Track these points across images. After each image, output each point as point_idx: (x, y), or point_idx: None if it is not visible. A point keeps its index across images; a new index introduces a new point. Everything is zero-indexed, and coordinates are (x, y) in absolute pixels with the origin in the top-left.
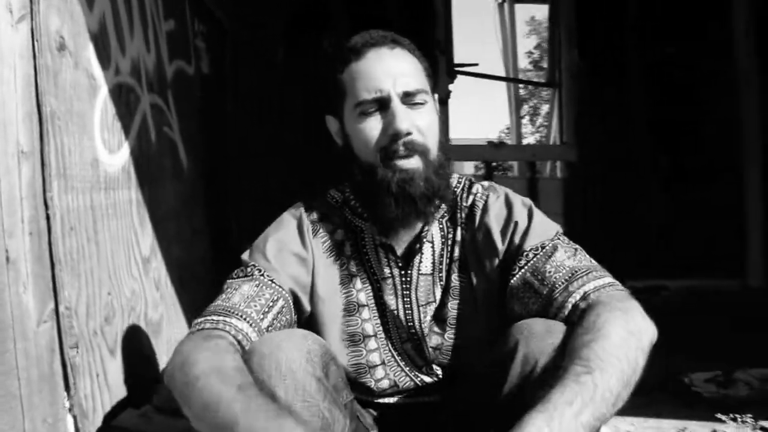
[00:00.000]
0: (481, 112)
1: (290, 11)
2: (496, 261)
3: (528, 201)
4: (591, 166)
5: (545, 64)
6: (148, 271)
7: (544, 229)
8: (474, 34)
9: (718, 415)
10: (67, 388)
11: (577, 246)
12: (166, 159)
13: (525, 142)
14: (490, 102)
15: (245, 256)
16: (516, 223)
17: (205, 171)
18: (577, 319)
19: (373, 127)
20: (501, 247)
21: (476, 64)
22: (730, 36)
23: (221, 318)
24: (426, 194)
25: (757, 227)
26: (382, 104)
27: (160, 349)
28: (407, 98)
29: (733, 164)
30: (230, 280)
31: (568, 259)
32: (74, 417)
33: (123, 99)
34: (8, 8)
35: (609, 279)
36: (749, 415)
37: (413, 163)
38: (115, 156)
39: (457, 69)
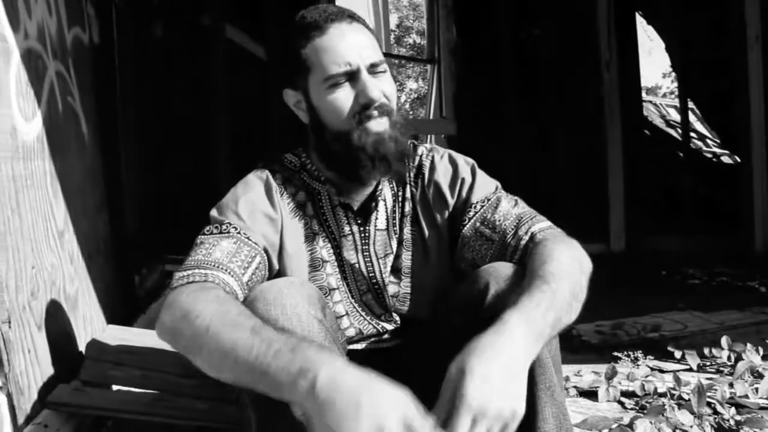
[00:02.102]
0: None
1: None
2: (446, 214)
3: (470, 160)
4: (468, 139)
5: (409, 41)
6: (63, 245)
7: (487, 184)
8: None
9: (616, 354)
10: (0, 365)
11: (516, 197)
12: (71, 130)
13: None
14: None
15: (214, 213)
16: (463, 179)
17: (103, 144)
18: (529, 253)
19: (345, 97)
20: (451, 201)
21: None
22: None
23: (209, 271)
24: (396, 154)
25: (618, 196)
26: (351, 76)
27: (78, 324)
28: (372, 68)
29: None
30: (204, 236)
31: (512, 209)
32: (9, 395)
33: (32, 65)
34: None
35: (549, 222)
36: (639, 352)
37: (383, 125)
38: (31, 124)
39: None
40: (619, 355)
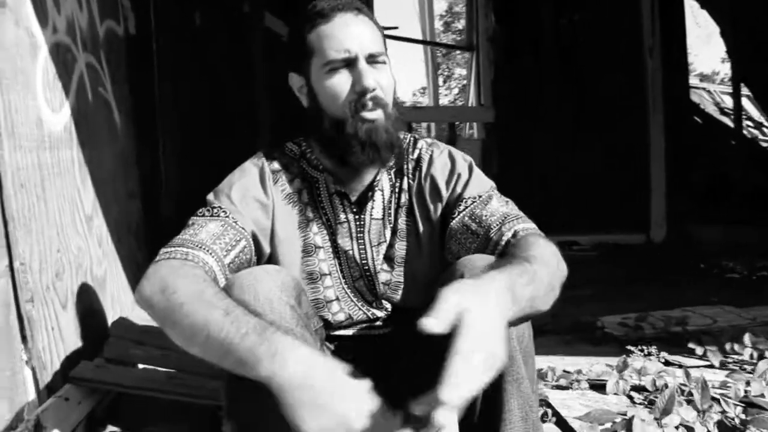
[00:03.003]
0: (396, 73)
1: None
2: (440, 207)
3: (468, 157)
4: (507, 127)
5: (458, 27)
6: (91, 229)
7: (482, 182)
8: None
9: (628, 347)
10: (23, 341)
11: (509, 199)
12: (102, 120)
13: (441, 102)
14: (404, 63)
15: (210, 197)
16: (459, 175)
17: (137, 133)
18: (512, 245)
19: (342, 82)
20: (445, 194)
21: (396, 27)
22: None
23: (190, 250)
24: (386, 143)
25: (660, 185)
26: (349, 63)
27: (106, 304)
28: (371, 59)
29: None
30: (195, 218)
31: (501, 207)
32: (33, 369)
33: (61, 58)
34: None
35: (534, 226)
36: (654, 347)
37: (377, 114)
38: (58, 115)
39: None
40: (632, 348)
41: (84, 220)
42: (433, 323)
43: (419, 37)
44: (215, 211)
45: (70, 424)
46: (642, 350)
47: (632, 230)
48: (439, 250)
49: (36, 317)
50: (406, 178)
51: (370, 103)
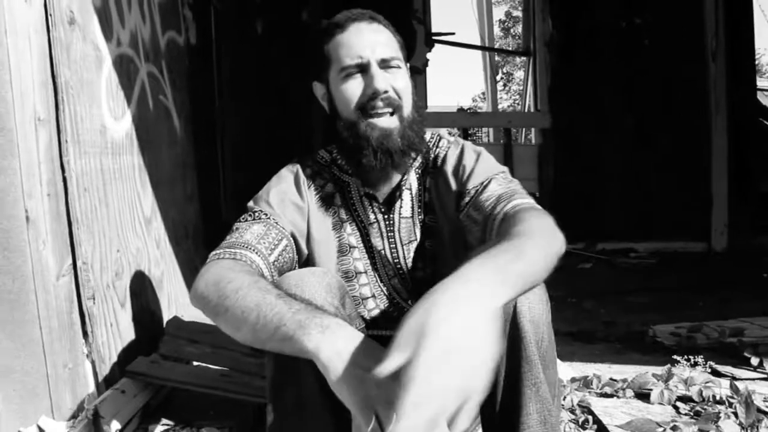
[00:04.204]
0: (455, 79)
1: None
2: (452, 201)
3: (479, 148)
4: (564, 133)
5: (517, 31)
6: (150, 231)
7: (487, 169)
8: (450, 3)
9: (674, 357)
10: (84, 336)
11: (514, 180)
12: (162, 126)
13: (500, 107)
14: (464, 68)
15: (250, 203)
16: (464, 167)
17: (196, 139)
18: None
19: (355, 86)
20: (454, 188)
21: (453, 33)
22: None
23: (238, 251)
24: (401, 148)
25: (722, 192)
26: (363, 69)
27: (163, 303)
28: (384, 63)
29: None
30: (239, 223)
31: (497, 189)
32: (92, 362)
33: (124, 69)
34: None
35: (530, 200)
36: (701, 357)
37: (390, 122)
38: (120, 123)
39: (434, 38)
40: (678, 358)
41: (143, 222)
42: (383, 369)
43: (478, 42)
44: (257, 214)
45: (126, 416)
46: (688, 360)
47: (692, 238)
48: (462, 244)
49: (96, 314)
50: (428, 177)
51: (381, 104)
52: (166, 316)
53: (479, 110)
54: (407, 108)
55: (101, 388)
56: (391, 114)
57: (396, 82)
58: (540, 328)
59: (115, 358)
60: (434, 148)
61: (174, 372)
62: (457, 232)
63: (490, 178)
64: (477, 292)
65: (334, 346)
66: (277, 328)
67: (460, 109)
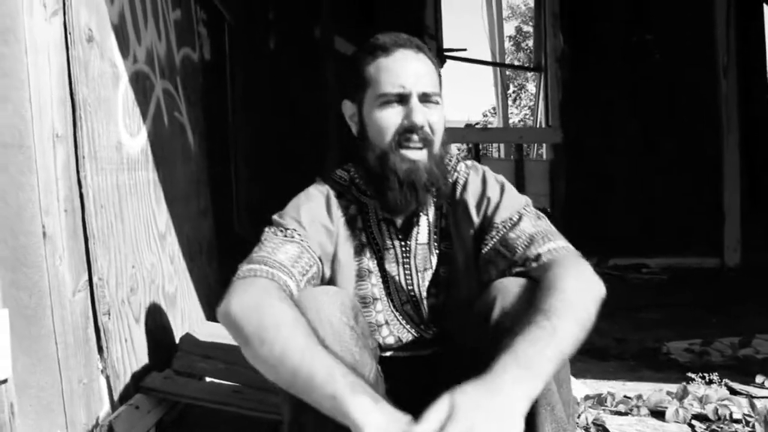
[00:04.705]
0: (464, 94)
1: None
2: (472, 232)
3: (501, 178)
4: (576, 148)
5: (528, 46)
6: (164, 247)
7: (513, 203)
8: (460, 18)
9: (690, 375)
10: (99, 351)
11: (542, 215)
12: (177, 142)
13: (511, 122)
14: (473, 83)
15: (277, 218)
16: (489, 199)
17: (210, 154)
18: (537, 277)
19: (392, 116)
20: (476, 219)
21: (465, 49)
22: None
23: (274, 271)
24: (426, 184)
25: (735, 207)
26: (402, 99)
27: (176, 319)
28: (424, 97)
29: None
30: (269, 235)
31: (529, 227)
32: (107, 378)
33: (140, 85)
34: (42, 4)
35: (563, 242)
36: (716, 374)
37: (420, 155)
38: (135, 139)
39: (446, 54)
40: (693, 376)
41: (157, 238)
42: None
43: (488, 58)
44: (289, 232)
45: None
46: (704, 377)
47: (705, 254)
48: (476, 273)
49: (111, 329)
50: (445, 203)
51: (416, 137)
52: (180, 332)
53: (489, 125)
54: (437, 144)
55: (115, 403)
56: (421, 148)
57: (432, 117)
58: None
59: (129, 374)
60: (452, 172)
61: (187, 388)
62: (471, 260)
63: (521, 214)
64: (506, 405)
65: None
66: (322, 385)
67: (468, 125)
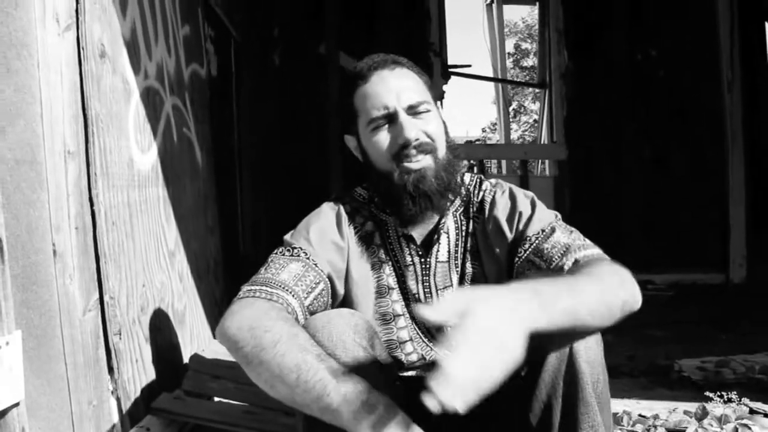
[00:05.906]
0: (465, 110)
1: (285, 17)
2: (506, 248)
3: (530, 193)
4: (580, 165)
5: (526, 63)
6: (173, 264)
7: (544, 216)
8: (463, 35)
9: (707, 393)
10: (110, 372)
11: (573, 228)
12: (186, 158)
13: (511, 137)
14: (473, 99)
15: (288, 237)
16: (521, 213)
17: (217, 170)
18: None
19: (384, 138)
20: (509, 235)
21: (469, 65)
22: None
23: (275, 291)
24: (438, 189)
25: (740, 222)
26: (391, 118)
27: (185, 337)
28: (411, 110)
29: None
30: (276, 256)
31: (564, 238)
32: (118, 399)
33: (151, 101)
34: (55, 19)
35: (599, 251)
36: (734, 393)
37: (424, 162)
38: (146, 155)
39: (451, 70)
40: (711, 395)
41: (167, 255)
42: (428, 312)
43: (490, 74)
44: (295, 251)
45: None
46: (722, 396)
47: (710, 270)
48: None
49: (122, 349)
50: (471, 221)
51: (414, 151)
52: (188, 351)
53: (488, 141)
54: (441, 150)
55: (126, 425)
56: (425, 155)
57: (427, 126)
58: (596, 368)
59: (139, 394)
60: (476, 191)
61: (198, 409)
62: (500, 277)
63: (553, 226)
64: (511, 304)
65: None
66: (319, 397)
67: (469, 141)
